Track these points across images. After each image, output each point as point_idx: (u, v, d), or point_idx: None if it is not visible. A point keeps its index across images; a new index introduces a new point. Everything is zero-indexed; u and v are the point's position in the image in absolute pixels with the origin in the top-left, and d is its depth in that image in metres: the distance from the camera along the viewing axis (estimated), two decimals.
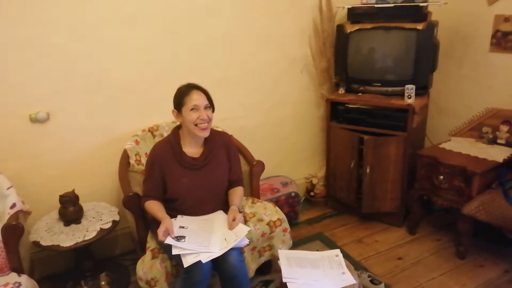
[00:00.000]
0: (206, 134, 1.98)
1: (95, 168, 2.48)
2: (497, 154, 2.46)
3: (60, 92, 2.28)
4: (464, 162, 2.39)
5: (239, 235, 1.86)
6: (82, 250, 2.23)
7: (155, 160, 2.00)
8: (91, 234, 2.12)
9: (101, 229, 2.16)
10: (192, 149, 2.04)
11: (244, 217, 2.14)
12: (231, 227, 1.91)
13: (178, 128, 2.07)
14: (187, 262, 1.73)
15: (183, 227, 1.90)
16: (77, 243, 2.06)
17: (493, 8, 2.72)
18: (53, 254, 2.41)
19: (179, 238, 1.81)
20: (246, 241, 1.89)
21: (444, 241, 2.70)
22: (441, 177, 2.47)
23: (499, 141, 2.60)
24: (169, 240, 1.78)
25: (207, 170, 2.03)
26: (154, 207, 1.96)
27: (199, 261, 1.73)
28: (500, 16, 2.69)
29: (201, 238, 1.85)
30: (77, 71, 2.29)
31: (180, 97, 1.95)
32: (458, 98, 3.06)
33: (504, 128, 2.58)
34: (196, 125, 1.93)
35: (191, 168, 2.00)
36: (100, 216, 2.27)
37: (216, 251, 1.79)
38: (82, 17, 2.23)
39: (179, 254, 1.76)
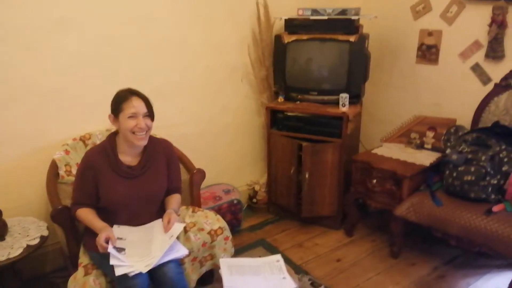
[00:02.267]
0: (143, 143, 1.91)
1: (21, 180, 2.31)
2: (425, 158, 2.63)
3: None
4: (394, 166, 2.53)
5: (175, 234, 1.82)
6: (7, 269, 2.05)
7: (88, 167, 1.89)
8: (16, 252, 1.95)
9: (27, 245, 2.00)
10: (128, 157, 1.96)
11: (184, 227, 2.10)
12: (166, 230, 1.85)
13: (114, 134, 1.97)
14: (119, 271, 1.66)
15: (121, 238, 1.82)
16: (0, 262, 1.90)
17: (418, 23, 2.94)
18: None
19: (119, 250, 1.74)
20: (186, 252, 1.85)
21: (378, 241, 2.84)
22: (374, 180, 2.59)
23: (426, 146, 2.79)
24: (110, 249, 1.70)
25: (144, 178, 1.96)
26: (89, 216, 1.86)
27: (135, 276, 1.66)
28: (425, 31, 2.91)
29: (141, 249, 1.79)
30: None
31: (119, 102, 1.85)
32: (388, 106, 3.25)
33: (430, 134, 2.78)
34: (133, 133, 1.86)
35: (127, 177, 1.92)
36: (27, 231, 2.10)
37: (158, 255, 1.74)
38: (4, 17, 2.08)
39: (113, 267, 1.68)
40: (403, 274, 2.49)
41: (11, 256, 1.93)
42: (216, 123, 3.04)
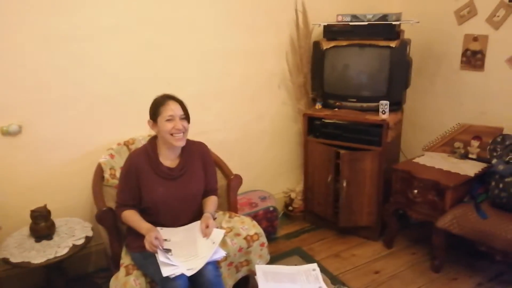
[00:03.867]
0: (181, 143, 1.98)
1: (68, 183, 2.43)
2: (469, 168, 2.52)
3: (33, 104, 2.24)
4: (437, 176, 2.45)
5: (217, 241, 1.86)
6: (53, 267, 2.16)
7: (132, 168, 1.97)
8: (63, 251, 2.06)
9: (73, 245, 2.10)
10: (168, 160, 2.03)
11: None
12: (205, 235, 1.89)
13: (154, 138, 2.05)
14: (166, 272, 1.71)
15: (165, 239, 1.87)
16: (48, 259, 2.00)
17: (462, 27, 2.84)
18: (23, 272, 2.32)
19: (165, 251, 1.80)
20: (223, 254, 1.89)
21: (419, 254, 2.74)
22: (415, 191, 2.52)
23: (470, 156, 2.68)
24: (159, 252, 1.76)
25: (183, 180, 2.02)
26: (134, 217, 1.93)
27: (176, 277, 1.71)
28: (469, 36, 2.81)
29: (187, 250, 1.84)
30: (51, 83, 2.26)
31: (156, 107, 1.95)
32: (431, 114, 3.15)
33: (475, 143, 2.67)
34: (171, 134, 1.93)
35: (167, 178, 1.99)
36: (73, 231, 2.21)
37: (202, 261, 1.78)
38: (57, 27, 2.21)
39: (155, 268, 1.73)
40: None
41: (58, 254, 2.04)
42: (252, 129, 3.07)
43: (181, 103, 1.97)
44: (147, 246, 1.79)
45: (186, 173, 2.04)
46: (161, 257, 1.76)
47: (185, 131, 1.97)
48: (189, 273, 1.74)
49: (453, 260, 2.61)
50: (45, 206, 2.14)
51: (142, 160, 1.99)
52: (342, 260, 2.72)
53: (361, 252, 2.81)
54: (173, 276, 1.71)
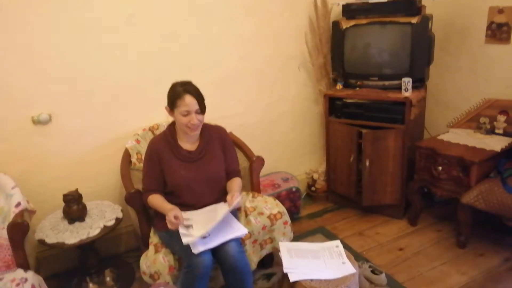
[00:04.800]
0: (196, 133, 2.05)
1: (97, 167, 2.53)
2: (495, 143, 2.48)
3: (62, 93, 2.33)
4: (462, 152, 2.42)
5: (235, 232, 1.91)
6: (86, 248, 2.27)
7: (153, 153, 2.05)
8: (95, 231, 2.15)
9: (104, 226, 2.20)
10: (187, 144, 2.09)
11: (245, 211, 2.18)
12: (230, 203, 1.94)
13: (173, 124, 2.11)
14: (185, 241, 1.80)
15: (187, 219, 1.94)
16: (81, 240, 2.10)
17: (486, 0, 2.75)
18: (58, 253, 2.45)
19: (186, 227, 1.87)
20: (245, 231, 1.94)
21: (444, 231, 2.72)
22: (440, 168, 2.49)
23: (496, 131, 2.62)
24: (180, 229, 1.84)
25: (203, 162, 2.08)
26: (158, 201, 2.01)
27: (200, 253, 1.77)
28: (494, 8, 2.71)
29: (209, 223, 1.90)
30: (78, 72, 2.34)
31: (174, 98, 1.97)
32: (455, 90, 3.08)
33: (502, 118, 2.60)
34: (187, 127, 1.98)
35: (187, 161, 2.05)
36: (104, 214, 2.31)
37: (217, 220, 1.86)
38: (80, 19, 2.27)
39: (184, 247, 1.80)
40: (470, 264, 2.38)
41: (91, 235, 2.14)
42: (273, 112, 3.09)
43: (197, 97, 1.96)
44: (168, 224, 1.87)
45: (205, 155, 2.09)
46: (181, 229, 1.84)
47: (200, 124, 2.01)
48: (198, 234, 1.82)
49: (479, 236, 2.59)
50: (76, 190, 2.24)
51: (162, 146, 2.06)
52: (365, 238, 2.74)
53: (385, 230, 2.81)
54: (191, 242, 1.79)
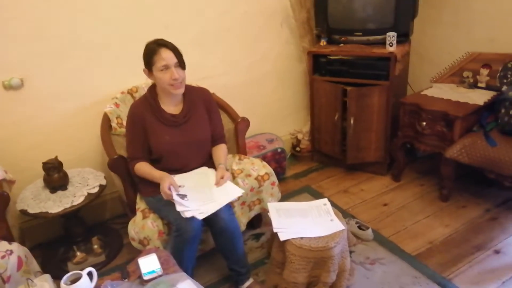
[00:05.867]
0: (180, 91, 1.93)
1: (76, 134, 2.44)
2: (478, 97, 2.49)
3: (33, 56, 2.19)
4: (445, 107, 2.42)
5: (231, 195, 1.88)
6: (71, 216, 2.23)
7: (135, 119, 1.95)
8: (78, 199, 2.10)
9: (88, 193, 2.15)
10: (171, 106, 1.99)
11: (232, 173, 2.15)
12: (218, 184, 1.91)
13: (154, 86, 2.00)
14: (186, 215, 1.76)
15: (179, 185, 1.89)
16: (65, 209, 2.05)
17: None
18: (42, 222, 2.40)
19: (181, 196, 1.82)
20: (240, 191, 1.92)
21: (427, 185, 2.79)
22: (424, 123, 2.50)
23: (479, 84, 2.63)
24: (174, 196, 1.78)
25: (188, 126, 2.00)
26: (146, 168, 1.94)
27: (190, 218, 1.75)
28: None
29: (203, 194, 1.86)
30: (48, 33, 2.19)
31: (149, 57, 1.86)
32: (438, 45, 3.05)
33: (484, 71, 2.60)
34: (169, 84, 1.87)
35: (172, 125, 1.97)
36: (86, 181, 2.25)
37: (214, 207, 1.80)
38: None
39: (173, 211, 1.77)
40: (453, 217, 2.46)
41: (75, 203, 2.09)
42: (256, 71, 3.01)
43: (174, 50, 1.86)
44: (163, 196, 1.80)
45: (190, 119, 2.01)
46: (176, 205, 1.78)
47: (182, 79, 1.90)
48: (200, 217, 1.77)
49: (460, 190, 2.66)
50: (56, 158, 2.16)
51: (144, 110, 1.95)
52: (350, 195, 2.78)
53: (369, 186, 2.85)
54: (189, 216, 1.75)
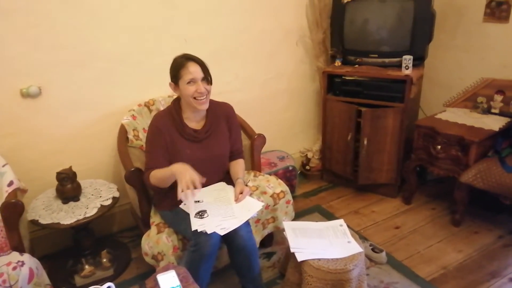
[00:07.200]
0: (205, 107, 1.92)
1: (90, 144, 2.41)
2: (492, 123, 2.50)
3: (52, 65, 2.18)
4: (461, 131, 2.43)
5: (252, 210, 1.86)
6: (81, 228, 2.18)
7: (158, 130, 1.92)
8: (91, 211, 2.07)
9: (101, 206, 2.11)
10: (193, 121, 1.99)
11: None
12: (237, 200, 1.90)
13: (178, 99, 2.00)
14: (195, 226, 1.74)
15: (198, 201, 1.87)
16: (78, 220, 2.02)
17: None
18: (51, 233, 2.36)
19: (201, 214, 1.79)
20: (261, 204, 1.92)
21: (438, 209, 2.77)
22: (439, 146, 2.50)
23: (493, 110, 2.64)
24: (192, 218, 1.77)
25: (209, 141, 1.99)
26: (160, 170, 1.84)
27: (209, 234, 1.72)
28: None
29: (224, 210, 1.84)
30: (69, 42, 2.19)
31: (176, 70, 1.87)
32: (450, 69, 3.08)
33: (498, 97, 2.62)
34: (194, 98, 1.87)
35: (193, 140, 1.96)
36: (99, 193, 2.22)
37: (237, 223, 1.78)
38: None
39: (187, 224, 1.75)
40: (466, 242, 2.43)
41: (87, 215, 2.05)
42: (269, 89, 3.01)
43: (201, 65, 1.87)
44: (181, 196, 1.68)
45: (211, 135, 2.00)
46: (192, 214, 1.76)
47: (207, 93, 1.90)
48: (222, 232, 1.74)
49: (473, 214, 2.64)
50: (70, 168, 2.13)
51: (166, 123, 1.94)
52: (362, 217, 2.75)
53: (380, 208, 2.83)
54: (207, 231, 1.72)
